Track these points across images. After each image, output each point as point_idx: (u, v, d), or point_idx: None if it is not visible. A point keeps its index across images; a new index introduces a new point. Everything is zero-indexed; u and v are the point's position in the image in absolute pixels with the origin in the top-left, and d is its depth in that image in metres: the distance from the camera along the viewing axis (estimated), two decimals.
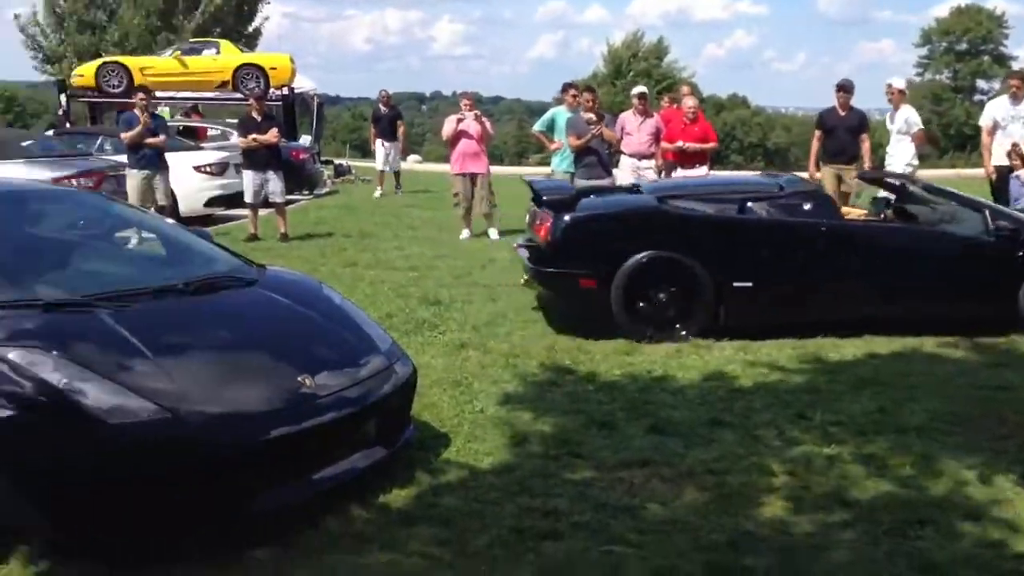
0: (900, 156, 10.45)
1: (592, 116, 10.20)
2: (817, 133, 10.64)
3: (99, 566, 3.33)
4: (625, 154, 11.62)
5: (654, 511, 3.79)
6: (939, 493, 3.96)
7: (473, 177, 11.48)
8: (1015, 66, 52.13)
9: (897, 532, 3.61)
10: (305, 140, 19.80)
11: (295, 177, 15.07)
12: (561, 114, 11.11)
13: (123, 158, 11.21)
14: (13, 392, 3.30)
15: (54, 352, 3.43)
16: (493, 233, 11.58)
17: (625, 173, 11.52)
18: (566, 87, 11.37)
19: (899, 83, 10.76)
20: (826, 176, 10.52)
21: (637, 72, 44.94)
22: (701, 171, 11.01)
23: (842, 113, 10.46)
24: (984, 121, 10.16)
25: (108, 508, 3.30)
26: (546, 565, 3.38)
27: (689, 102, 11.44)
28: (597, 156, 10.15)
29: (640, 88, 12.22)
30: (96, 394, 3.33)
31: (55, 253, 4.73)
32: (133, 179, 10.70)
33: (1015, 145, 9.15)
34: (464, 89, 12.81)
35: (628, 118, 11.67)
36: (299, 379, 3.77)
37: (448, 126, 11.73)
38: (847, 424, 4.77)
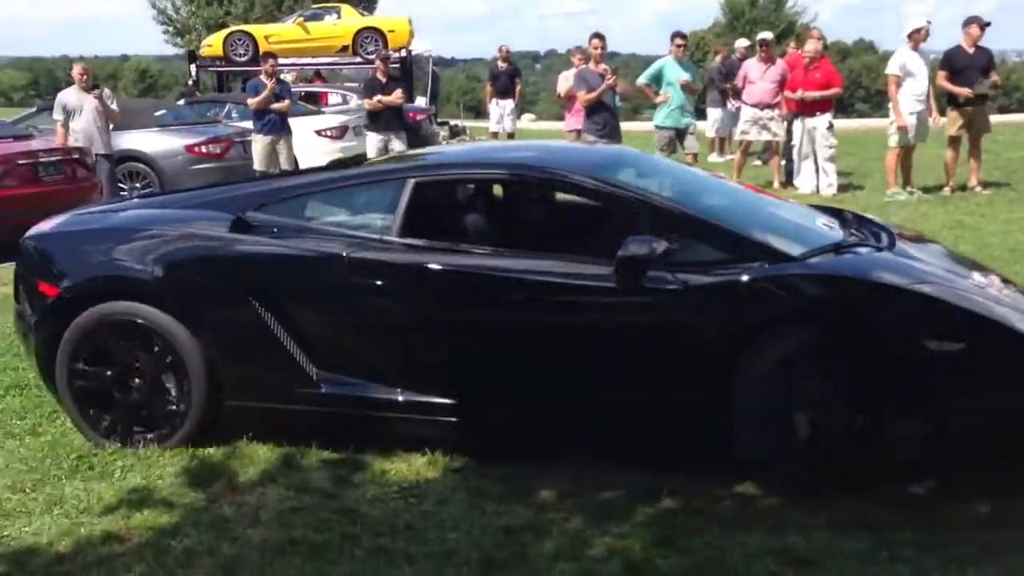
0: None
1: (605, 67, 9.68)
2: (943, 74, 10.09)
3: None
4: (748, 104, 11.35)
5: None
6: None
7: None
8: None
9: None
10: (421, 101, 20.01)
11: (412, 138, 15.25)
12: (669, 65, 10.37)
13: (249, 124, 11.65)
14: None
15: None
16: None
17: (749, 124, 11.27)
18: (674, 36, 10.65)
19: None
20: (951, 119, 10.06)
21: (750, 20, 43.46)
22: (824, 119, 10.65)
23: (970, 51, 9.91)
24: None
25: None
26: None
27: (809, 46, 10.90)
28: (609, 112, 9.56)
29: (764, 34, 11.85)
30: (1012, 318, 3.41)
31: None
32: (258, 144, 11.12)
33: None
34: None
35: (752, 65, 11.38)
36: None
37: (563, 83, 11.55)
38: None
